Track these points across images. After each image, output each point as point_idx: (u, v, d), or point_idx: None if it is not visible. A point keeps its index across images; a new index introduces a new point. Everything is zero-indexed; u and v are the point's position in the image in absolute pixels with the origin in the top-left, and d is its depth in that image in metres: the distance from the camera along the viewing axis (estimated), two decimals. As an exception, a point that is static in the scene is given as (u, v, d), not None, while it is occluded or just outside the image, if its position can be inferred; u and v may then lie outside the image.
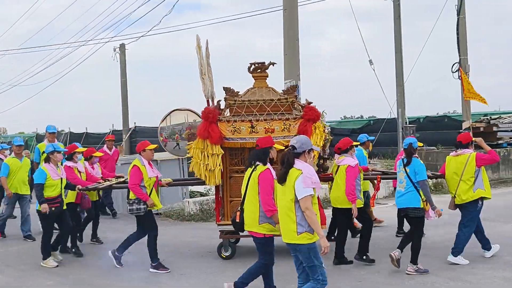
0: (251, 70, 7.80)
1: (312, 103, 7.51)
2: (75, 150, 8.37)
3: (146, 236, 7.16)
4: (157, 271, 6.92)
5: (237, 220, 5.63)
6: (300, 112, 7.49)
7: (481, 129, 16.40)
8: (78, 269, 7.35)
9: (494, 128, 16.49)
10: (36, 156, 10.13)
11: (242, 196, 5.64)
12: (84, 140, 18.56)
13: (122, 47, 20.29)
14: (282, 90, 7.88)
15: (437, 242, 8.13)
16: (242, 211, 5.59)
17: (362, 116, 36.88)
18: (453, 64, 14.81)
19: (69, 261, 7.89)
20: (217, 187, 7.82)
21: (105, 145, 11.28)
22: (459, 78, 14.37)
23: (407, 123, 18.54)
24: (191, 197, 12.77)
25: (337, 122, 27.47)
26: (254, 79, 7.83)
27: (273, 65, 7.86)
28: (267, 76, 7.82)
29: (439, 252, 7.43)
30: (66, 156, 8.26)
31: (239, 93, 7.69)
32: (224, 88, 7.63)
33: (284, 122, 7.42)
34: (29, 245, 9.25)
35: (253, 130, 7.39)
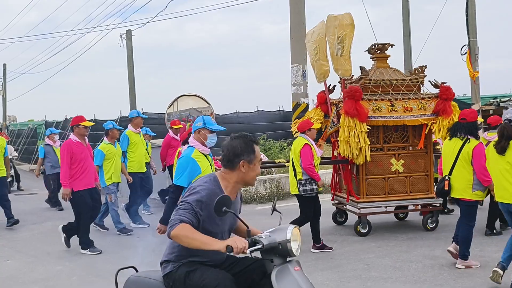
0: (372, 51, 8.11)
1: (446, 83, 7.84)
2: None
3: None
4: (323, 250, 6.94)
5: (446, 188, 5.96)
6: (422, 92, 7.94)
7: (491, 111, 16.24)
8: (88, 255, 7.40)
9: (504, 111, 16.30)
10: (125, 144, 9.31)
11: (449, 166, 5.95)
12: (92, 127, 18.55)
13: (129, 33, 20.25)
14: (409, 71, 8.36)
15: None
16: (449, 180, 5.95)
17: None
18: (462, 47, 14.62)
19: (78, 246, 7.95)
20: (347, 166, 7.94)
21: (170, 131, 10.50)
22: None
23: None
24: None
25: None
26: (375, 60, 8.12)
27: (392, 46, 8.19)
28: (389, 57, 8.16)
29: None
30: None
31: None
32: (360, 68, 7.85)
33: (420, 101, 7.73)
34: (39, 231, 9.33)
35: (393, 109, 7.63)
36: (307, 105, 12.04)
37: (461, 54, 14.72)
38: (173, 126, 10.45)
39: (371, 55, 8.17)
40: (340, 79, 8.23)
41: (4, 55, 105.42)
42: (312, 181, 6.86)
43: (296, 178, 6.95)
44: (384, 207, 8.15)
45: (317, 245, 6.99)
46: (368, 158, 7.43)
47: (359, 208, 7.71)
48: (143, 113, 18.03)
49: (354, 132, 7.33)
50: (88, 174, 7.33)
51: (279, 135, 19.74)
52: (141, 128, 9.71)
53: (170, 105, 12.81)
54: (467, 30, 14.75)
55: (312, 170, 6.84)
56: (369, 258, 6.55)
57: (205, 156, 5.24)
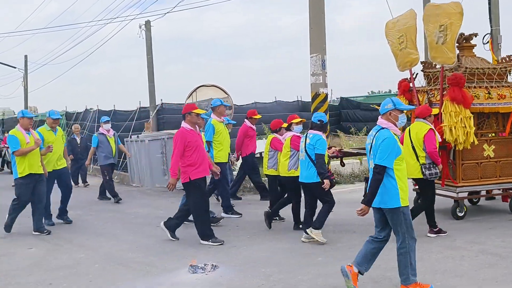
0: (459, 41, 8.28)
1: None
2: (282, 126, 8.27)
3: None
4: (439, 234, 7.09)
5: None
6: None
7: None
8: (110, 243, 7.51)
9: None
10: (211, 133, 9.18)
11: None
12: (112, 117, 18.75)
13: (148, 24, 20.24)
14: (496, 60, 8.71)
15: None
16: None
17: (390, 91, 36.32)
18: (484, 36, 14.37)
19: (100, 235, 8.08)
20: (444, 152, 7.98)
21: (247, 121, 10.25)
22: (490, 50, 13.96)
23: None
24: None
25: (364, 97, 27.13)
26: (463, 49, 8.36)
27: (476, 36, 8.54)
28: (475, 46, 8.52)
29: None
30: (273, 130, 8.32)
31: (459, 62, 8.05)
32: (457, 56, 7.94)
33: None
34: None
35: (489, 96, 7.94)
36: (326, 95, 11.98)
37: (483, 44, 14.48)
38: (253, 116, 10.25)
39: (457, 44, 8.25)
40: (436, 67, 8.50)
41: (25, 47, 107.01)
42: (435, 165, 7.11)
43: (419, 162, 7.12)
44: (483, 190, 8.62)
45: (434, 230, 7.11)
46: (476, 142, 7.77)
47: (457, 192, 7.99)
48: (162, 103, 18.20)
49: (461, 118, 7.58)
50: (204, 162, 7.23)
51: (298, 126, 19.69)
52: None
53: (189, 96, 12.88)
54: (490, 18, 14.48)
55: (436, 155, 7.08)
56: (389, 249, 6.49)
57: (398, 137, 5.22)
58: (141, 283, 5.61)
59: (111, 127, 11.57)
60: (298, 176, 7.25)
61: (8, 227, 8.27)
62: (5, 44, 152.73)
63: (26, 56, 36.30)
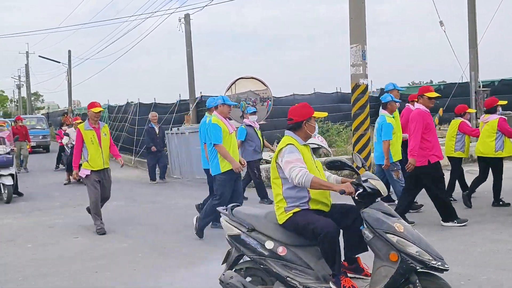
0: None
1: None
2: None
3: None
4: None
5: None
6: None
7: None
8: (153, 233, 7.65)
9: None
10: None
11: None
12: (153, 110, 19.05)
13: (187, 17, 20.44)
14: None
15: None
16: None
17: (431, 81, 35.58)
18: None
19: (142, 225, 8.24)
20: None
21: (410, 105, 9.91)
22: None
23: (481, 87, 17.68)
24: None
25: (406, 88, 26.64)
26: None
27: None
28: None
29: None
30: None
31: None
32: None
33: None
34: (104, 210, 9.71)
35: None
36: (366, 86, 11.82)
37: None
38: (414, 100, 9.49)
39: None
40: None
41: (69, 42, 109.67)
42: None
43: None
44: None
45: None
46: None
47: None
48: (201, 96, 18.34)
49: None
50: (436, 146, 7.06)
51: (337, 117, 19.53)
52: None
53: (228, 88, 12.95)
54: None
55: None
56: (431, 241, 6.38)
57: None
58: (182, 273, 5.70)
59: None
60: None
61: (201, 232, 7.21)
62: (50, 40, 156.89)
63: (69, 51, 37.23)
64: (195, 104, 18.24)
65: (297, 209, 4.18)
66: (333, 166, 4.29)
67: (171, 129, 15.30)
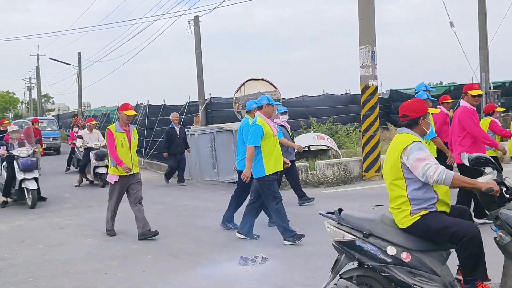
0: None
1: None
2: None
3: None
4: None
5: None
6: None
7: None
8: (162, 235, 7.66)
9: None
10: None
11: None
12: (162, 112, 19.11)
13: (196, 19, 20.49)
14: None
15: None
16: None
17: (441, 82, 35.41)
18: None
19: (153, 226, 8.26)
20: None
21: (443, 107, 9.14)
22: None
23: (491, 88, 17.57)
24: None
25: (415, 89, 26.53)
26: None
27: None
28: None
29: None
30: None
31: None
32: None
33: None
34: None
35: None
36: (376, 87, 11.80)
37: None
38: (444, 101, 9.14)
39: None
40: None
41: (79, 44, 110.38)
42: None
43: None
44: None
45: None
46: None
47: None
48: (211, 98, 18.36)
49: None
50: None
51: (346, 119, 19.49)
52: None
53: (238, 90, 12.96)
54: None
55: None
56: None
57: None
58: (192, 274, 5.70)
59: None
60: None
61: (249, 232, 7.11)
62: (60, 42, 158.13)
63: (80, 53, 37.46)
64: (204, 105, 18.26)
65: (424, 212, 3.92)
66: (478, 162, 4.06)
67: (180, 131, 15.30)
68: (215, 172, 13.49)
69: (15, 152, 10.49)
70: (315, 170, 11.81)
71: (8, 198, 10.85)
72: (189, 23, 20.56)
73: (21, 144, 10.74)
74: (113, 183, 7.55)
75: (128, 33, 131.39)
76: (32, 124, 16.66)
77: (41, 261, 6.55)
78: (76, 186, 13.61)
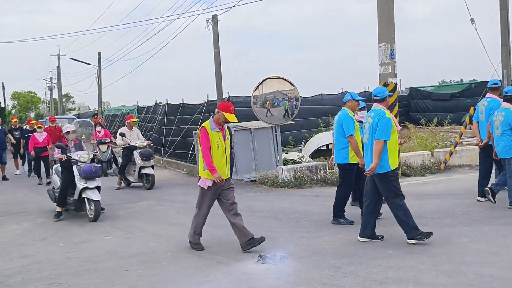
0: None
1: None
2: None
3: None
4: None
5: None
6: None
7: None
8: (182, 233, 7.72)
9: None
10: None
11: None
12: (180, 111, 19.22)
13: (215, 18, 20.57)
14: None
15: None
16: None
17: (461, 80, 34.97)
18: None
19: (172, 224, 8.33)
20: None
21: None
22: None
23: (513, 85, 17.31)
24: (284, 165, 12.89)
25: (435, 87, 26.25)
26: None
27: None
28: None
29: None
30: None
31: None
32: None
33: None
34: (134, 209, 9.87)
35: None
36: (395, 85, 11.70)
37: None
38: None
39: None
40: None
41: (99, 44, 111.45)
42: None
43: None
44: None
45: None
46: None
47: None
48: (229, 97, 18.39)
49: None
50: None
51: (365, 117, 19.33)
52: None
53: (256, 88, 12.94)
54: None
55: None
56: (462, 243, 6.32)
57: None
58: (212, 272, 5.74)
59: None
60: None
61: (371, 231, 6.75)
62: (80, 42, 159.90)
63: (99, 53, 37.82)
64: (222, 104, 18.28)
65: None
66: None
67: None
68: (234, 170, 13.53)
69: (74, 156, 9.12)
70: (333, 169, 11.77)
71: (63, 209, 9.34)
72: (207, 22, 20.66)
73: (79, 147, 9.38)
74: (206, 188, 6.56)
75: (146, 33, 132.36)
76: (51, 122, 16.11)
77: (63, 258, 6.65)
78: (117, 189, 12.71)
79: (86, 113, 49.49)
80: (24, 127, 18.29)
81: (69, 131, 9.41)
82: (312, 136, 17.53)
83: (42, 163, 14.71)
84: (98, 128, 16.48)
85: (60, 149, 9.11)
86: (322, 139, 16.53)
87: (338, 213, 7.70)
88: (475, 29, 16.34)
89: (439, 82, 36.47)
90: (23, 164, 17.64)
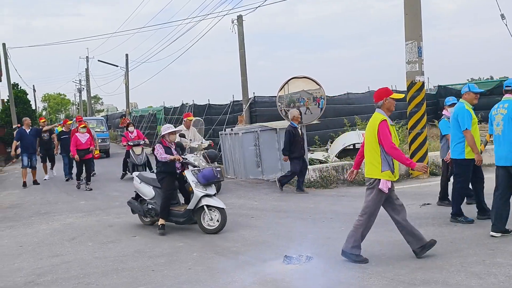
0: None
1: None
2: None
3: None
4: None
5: None
6: None
7: None
8: (208, 234, 7.74)
9: None
10: None
11: None
12: (206, 111, 19.33)
13: (240, 18, 20.61)
14: None
15: None
16: None
17: (492, 77, 34.29)
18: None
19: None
20: None
21: None
22: None
23: (545, 81, 16.85)
24: (310, 165, 12.82)
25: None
26: None
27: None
28: None
29: None
30: None
31: None
32: None
33: None
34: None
35: None
36: (423, 83, 11.55)
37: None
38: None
39: None
40: None
41: (126, 46, 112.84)
42: None
43: None
44: None
45: None
46: None
47: None
48: (254, 97, 18.42)
49: None
50: None
51: (392, 116, 19.01)
52: None
53: (281, 88, 12.92)
54: None
55: None
56: (493, 243, 6.18)
57: None
58: (237, 272, 5.73)
59: None
60: None
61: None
62: (108, 44, 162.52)
63: (127, 55, 38.31)
64: (248, 104, 18.34)
65: None
66: None
67: (224, 130, 15.46)
68: (259, 170, 13.54)
69: (190, 159, 8.31)
70: (360, 169, 11.63)
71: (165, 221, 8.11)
72: (232, 22, 20.72)
73: (180, 149, 8.55)
74: (386, 191, 5.75)
75: (173, 34, 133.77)
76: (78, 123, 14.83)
77: (91, 258, 6.75)
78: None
79: (114, 114, 50.21)
80: (55, 129, 17.36)
81: (172, 132, 8.22)
82: (338, 136, 17.42)
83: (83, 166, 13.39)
84: (131, 129, 15.31)
85: (163, 150, 7.97)
86: (348, 138, 16.41)
87: (456, 212, 7.37)
88: (506, 24, 15.95)
89: (468, 79, 35.86)
90: (51, 168, 16.60)
